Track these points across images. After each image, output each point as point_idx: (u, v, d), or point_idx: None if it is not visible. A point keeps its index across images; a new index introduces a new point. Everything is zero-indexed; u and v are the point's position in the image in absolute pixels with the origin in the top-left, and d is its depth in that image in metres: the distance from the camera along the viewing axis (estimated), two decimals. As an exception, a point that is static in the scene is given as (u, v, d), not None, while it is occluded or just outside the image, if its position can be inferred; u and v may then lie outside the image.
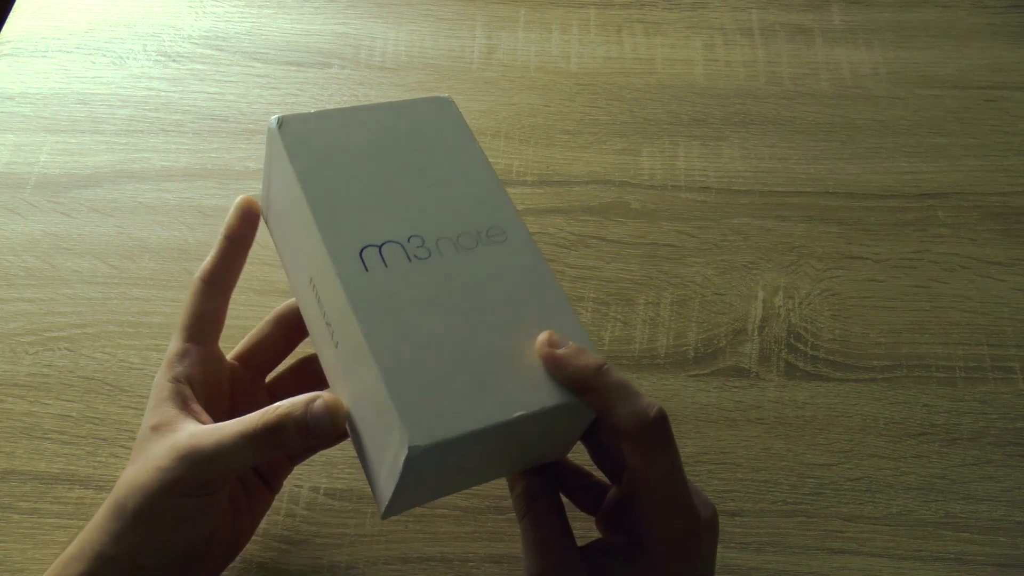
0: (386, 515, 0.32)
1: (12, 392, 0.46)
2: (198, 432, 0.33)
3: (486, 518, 0.42)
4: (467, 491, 0.42)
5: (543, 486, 0.34)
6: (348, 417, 0.32)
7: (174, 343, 0.37)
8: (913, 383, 0.46)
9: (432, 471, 0.30)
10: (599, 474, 0.38)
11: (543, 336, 0.31)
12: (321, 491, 0.43)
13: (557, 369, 0.31)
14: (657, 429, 0.30)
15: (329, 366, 0.34)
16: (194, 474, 0.32)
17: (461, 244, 0.33)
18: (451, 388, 0.29)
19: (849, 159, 0.54)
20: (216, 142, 0.55)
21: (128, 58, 0.59)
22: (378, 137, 0.34)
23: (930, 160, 0.54)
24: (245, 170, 0.53)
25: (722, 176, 0.53)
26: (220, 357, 0.39)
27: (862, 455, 0.44)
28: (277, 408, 0.32)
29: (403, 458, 0.28)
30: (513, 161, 0.54)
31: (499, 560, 0.41)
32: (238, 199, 0.38)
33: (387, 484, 0.30)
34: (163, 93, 0.57)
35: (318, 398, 0.32)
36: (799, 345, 0.47)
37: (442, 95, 0.38)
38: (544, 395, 0.30)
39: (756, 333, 0.47)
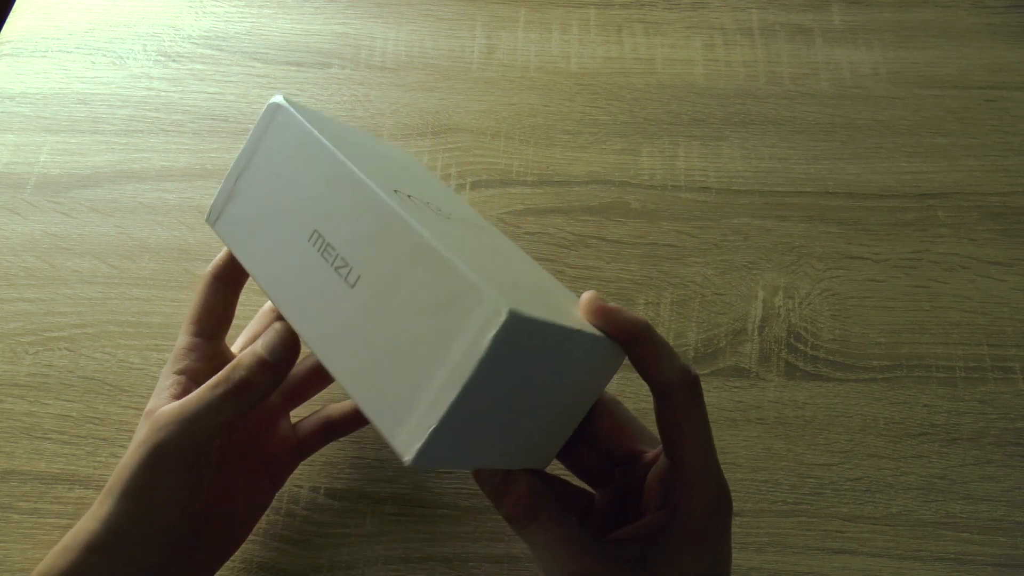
0: (423, 451, 0.26)
1: (12, 392, 0.46)
2: (172, 403, 0.34)
3: (486, 518, 0.42)
4: (467, 491, 0.42)
5: (543, 486, 0.33)
6: (297, 336, 0.31)
7: (182, 337, 0.38)
8: (913, 383, 0.46)
9: (496, 378, 0.26)
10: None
11: (589, 293, 0.32)
12: (321, 491, 0.43)
13: (609, 319, 0.31)
14: (698, 388, 0.32)
15: (331, 324, 0.30)
16: (171, 440, 0.32)
17: (466, 219, 0.33)
18: (522, 289, 0.28)
19: (849, 159, 0.54)
20: (216, 142, 0.55)
21: (128, 58, 0.59)
22: (362, 140, 0.36)
23: (930, 160, 0.54)
24: (245, 170, 0.53)
25: (722, 176, 0.53)
26: (227, 353, 0.39)
27: (862, 455, 0.44)
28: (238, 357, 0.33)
29: (493, 332, 0.25)
30: (513, 161, 0.54)
31: (499, 560, 0.41)
32: None
33: (445, 391, 0.26)
34: (163, 93, 0.57)
35: (269, 329, 0.33)
36: (799, 345, 0.47)
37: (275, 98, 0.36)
38: (588, 327, 0.31)
39: (756, 333, 0.47)
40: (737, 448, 0.44)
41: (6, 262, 0.50)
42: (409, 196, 0.31)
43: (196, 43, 0.59)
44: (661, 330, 0.48)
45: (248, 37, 0.60)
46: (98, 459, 0.44)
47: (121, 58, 0.59)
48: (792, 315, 0.48)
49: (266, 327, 0.40)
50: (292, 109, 0.32)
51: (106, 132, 0.55)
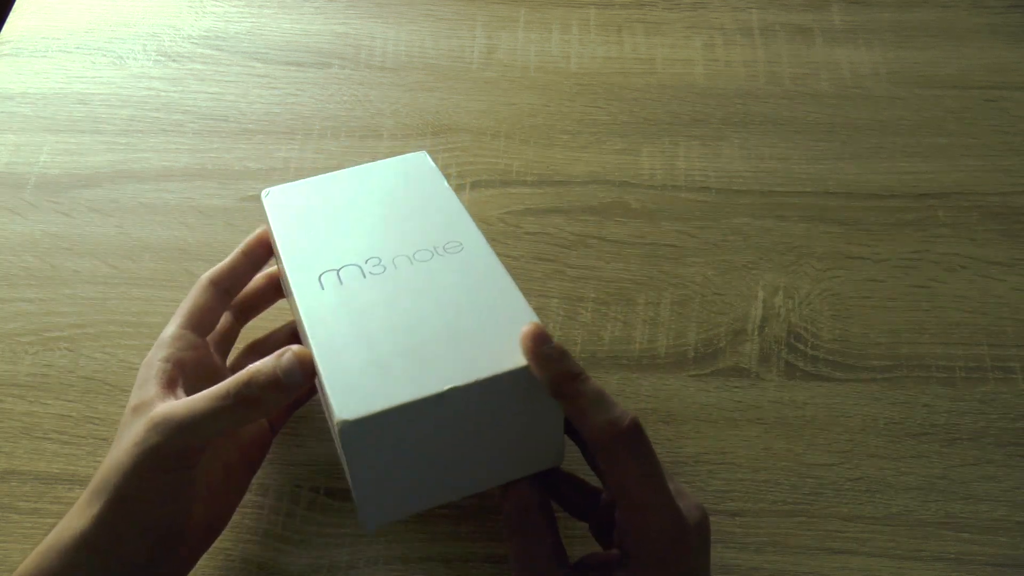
0: (365, 522, 0.33)
1: (12, 392, 0.46)
2: (173, 403, 0.33)
3: (486, 518, 0.42)
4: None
5: (537, 500, 0.34)
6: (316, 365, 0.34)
7: (169, 328, 0.38)
8: (913, 383, 0.46)
9: (378, 455, 0.31)
10: (594, 480, 0.38)
11: (528, 328, 0.32)
12: (321, 491, 0.43)
13: (539, 367, 0.31)
14: (630, 437, 0.31)
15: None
16: (170, 444, 0.32)
17: (417, 259, 0.37)
18: (388, 369, 0.32)
19: (849, 159, 0.54)
20: (216, 142, 0.55)
21: (128, 58, 0.59)
22: (353, 192, 0.41)
23: (930, 160, 0.54)
24: (245, 170, 0.53)
25: (722, 176, 0.53)
26: (213, 352, 0.39)
27: (862, 455, 0.44)
28: (247, 368, 0.32)
29: (341, 435, 0.30)
30: (513, 161, 0.54)
31: (499, 560, 0.41)
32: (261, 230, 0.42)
33: (350, 480, 0.32)
34: (163, 93, 0.57)
35: (287, 351, 0.33)
36: (799, 345, 0.47)
37: (419, 152, 0.43)
38: (480, 368, 0.32)
39: (756, 333, 0.47)
40: (737, 448, 0.44)
41: (6, 262, 0.50)
42: (339, 271, 0.36)
43: (196, 43, 0.59)
44: (661, 330, 0.48)
45: (248, 37, 0.60)
46: (98, 459, 0.44)
47: (121, 58, 0.59)
48: (792, 315, 0.48)
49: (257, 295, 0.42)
50: (264, 206, 0.40)
51: (106, 132, 0.55)
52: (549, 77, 0.58)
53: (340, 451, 0.33)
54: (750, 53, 0.59)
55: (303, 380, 0.32)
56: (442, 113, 0.56)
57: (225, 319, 0.41)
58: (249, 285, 0.42)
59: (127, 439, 0.33)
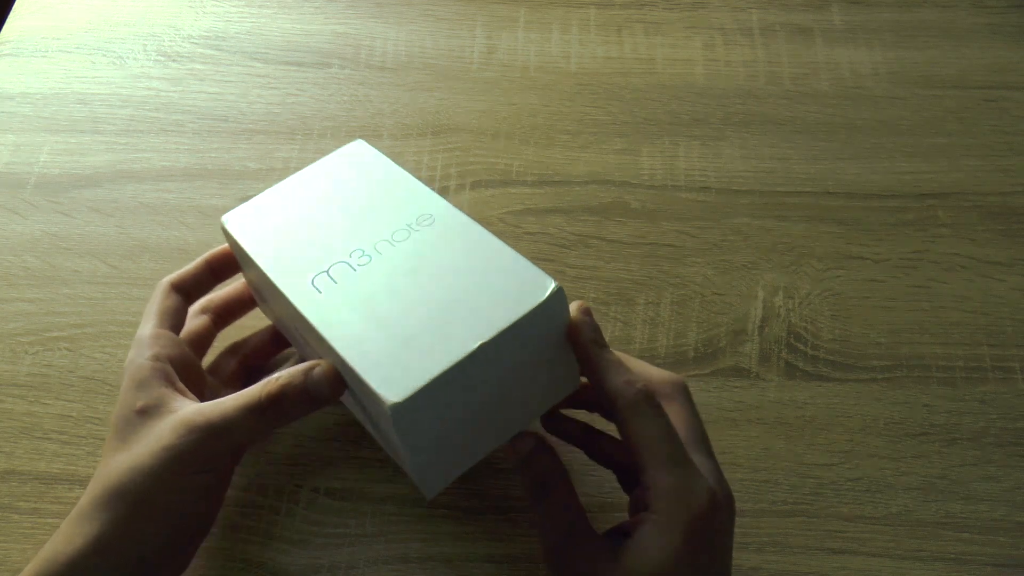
0: (426, 492, 0.36)
1: (12, 392, 0.46)
2: (203, 408, 0.34)
3: (486, 518, 0.42)
4: (467, 492, 0.42)
5: (558, 466, 0.35)
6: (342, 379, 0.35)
7: (146, 328, 0.38)
8: (913, 383, 0.46)
9: (430, 426, 0.33)
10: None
11: (578, 303, 0.36)
12: (321, 491, 0.43)
13: (572, 334, 0.35)
14: (646, 396, 0.33)
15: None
16: (205, 449, 0.33)
17: (395, 239, 0.38)
18: (414, 346, 0.33)
19: (849, 159, 0.54)
20: (216, 142, 0.55)
21: (128, 58, 0.59)
22: (309, 195, 0.41)
23: (930, 160, 0.54)
24: (245, 170, 0.53)
25: (722, 176, 0.53)
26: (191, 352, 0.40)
27: (862, 455, 0.44)
28: (277, 379, 0.34)
29: (395, 420, 0.32)
30: (513, 161, 0.54)
31: (499, 560, 0.41)
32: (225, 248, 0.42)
33: (405, 458, 0.34)
34: (163, 93, 0.57)
35: (316, 366, 0.34)
36: (799, 345, 0.47)
37: (356, 140, 0.44)
38: (497, 319, 0.34)
39: (756, 333, 0.47)
40: (737, 448, 0.44)
41: (6, 262, 0.50)
42: (328, 270, 0.37)
43: (196, 43, 0.59)
44: (661, 330, 0.48)
45: (248, 37, 0.60)
46: (98, 459, 0.44)
47: (121, 58, 0.59)
48: (792, 315, 0.48)
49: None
50: (229, 231, 0.40)
51: (106, 132, 0.55)
52: (549, 77, 0.58)
53: (387, 435, 0.35)
54: (750, 53, 0.59)
55: (330, 394, 0.34)
56: (442, 113, 0.56)
57: (201, 321, 0.42)
58: (229, 290, 0.44)
59: (154, 442, 0.34)
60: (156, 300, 0.40)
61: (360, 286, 0.36)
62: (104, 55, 0.59)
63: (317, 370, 0.34)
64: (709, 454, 0.35)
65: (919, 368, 0.46)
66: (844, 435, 0.44)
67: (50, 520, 0.42)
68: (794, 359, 0.47)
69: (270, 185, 0.52)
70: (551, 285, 0.35)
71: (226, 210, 0.52)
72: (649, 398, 0.33)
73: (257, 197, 0.42)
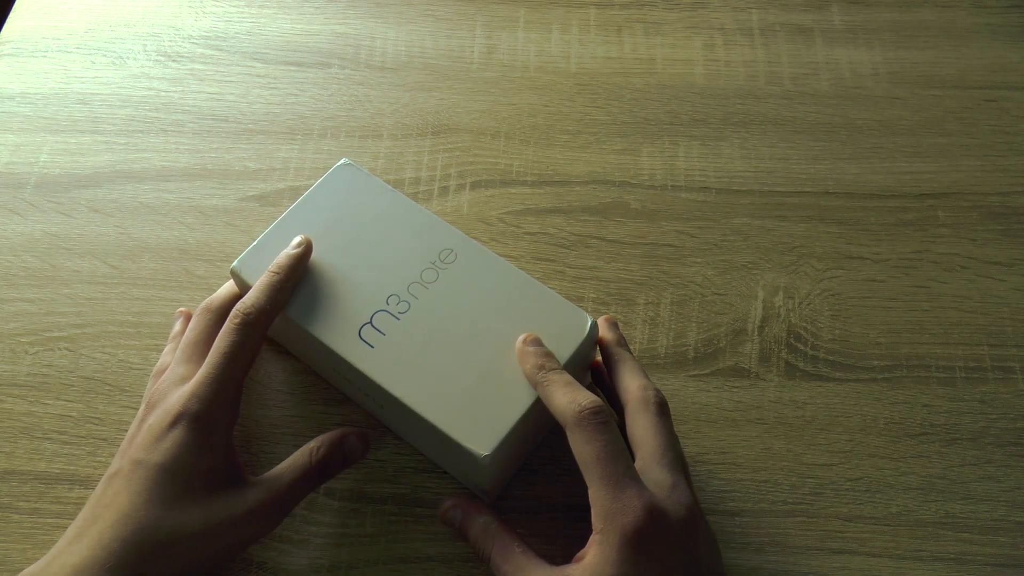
0: (489, 498, 0.41)
1: (12, 392, 0.46)
2: (267, 488, 0.37)
3: (486, 518, 0.42)
4: (467, 491, 0.43)
5: (498, 519, 0.38)
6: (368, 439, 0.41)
7: (210, 371, 0.38)
8: (913, 383, 0.46)
9: (504, 460, 0.38)
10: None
11: (520, 337, 0.39)
12: (321, 491, 0.43)
13: (522, 361, 0.38)
14: (586, 417, 0.34)
15: (378, 414, 0.43)
16: (269, 527, 0.38)
17: (426, 280, 0.40)
18: (484, 395, 0.37)
19: (849, 159, 0.54)
20: (216, 142, 0.55)
21: (128, 58, 0.59)
22: (314, 235, 0.42)
23: (930, 160, 0.54)
24: (245, 170, 0.53)
25: (722, 176, 0.53)
26: None
27: (862, 455, 0.44)
28: (318, 450, 0.38)
29: (484, 466, 0.37)
30: (513, 161, 0.54)
31: (499, 560, 0.41)
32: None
33: (484, 484, 0.39)
34: (163, 93, 0.57)
35: (349, 434, 0.39)
36: (799, 345, 0.47)
37: (342, 161, 0.45)
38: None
39: (756, 333, 0.47)
40: (737, 448, 0.44)
41: (6, 262, 0.50)
42: (371, 321, 0.39)
43: (196, 43, 0.59)
44: (661, 330, 0.48)
45: (248, 37, 0.60)
46: (98, 459, 0.44)
47: (121, 58, 0.59)
48: (792, 315, 0.48)
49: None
50: (245, 274, 0.41)
51: (106, 132, 0.55)
52: (549, 77, 0.58)
53: (449, 458, 0.40)
54: (750, 53, 0.59)
55: (362, 455, 0.40)
56: (442, 113, 0.56)
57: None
58: (231, 290, 0.44)
59: (217, 512, 0.36)
60: (202, 331, 0.41)
61: (410, 336, 0.39)
62: (104, 55, 0.59)
63: (351, 438, 0.39)
64: (671, 467, 0.35)
65: (919, 368, 0.46)
66: (844, 435, 0.44)
67: (50, 520, 0.42)
68: (794, 359, 0.47)
69: (270, 185, 0.53)
70: (588, 321, 0.39)
71: (226, 210, 0.52)
72: (582, 421, 0.34)
73: (261, 238, 0.42)
